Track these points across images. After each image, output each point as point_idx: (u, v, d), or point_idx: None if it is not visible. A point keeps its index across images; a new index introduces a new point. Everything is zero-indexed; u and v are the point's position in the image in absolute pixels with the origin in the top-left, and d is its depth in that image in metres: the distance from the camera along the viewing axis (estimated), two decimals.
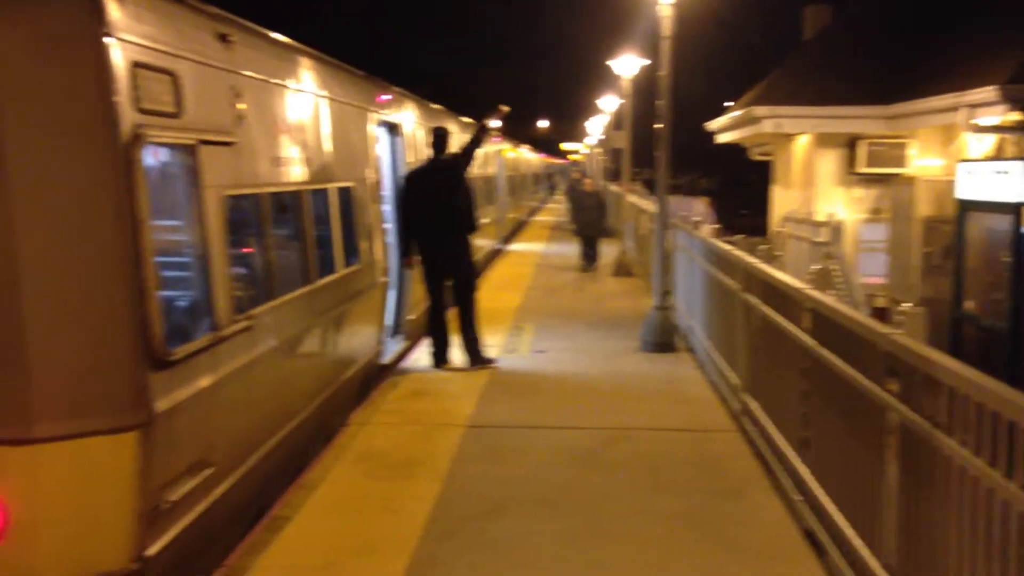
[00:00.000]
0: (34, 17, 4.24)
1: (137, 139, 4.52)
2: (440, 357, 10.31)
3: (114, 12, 4.49)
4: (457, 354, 10.31)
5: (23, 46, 4.18)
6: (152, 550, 4.64)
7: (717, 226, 11.22)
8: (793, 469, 6.08)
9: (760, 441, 7.15)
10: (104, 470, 4.39)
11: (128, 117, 4.50)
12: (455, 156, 10.34)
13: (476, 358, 10.26)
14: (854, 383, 4.81)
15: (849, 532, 4.93)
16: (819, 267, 10.60)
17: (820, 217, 15.27)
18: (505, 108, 10.87)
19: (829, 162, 17.74)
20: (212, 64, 5.67)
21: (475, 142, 10.37)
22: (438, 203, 10.04)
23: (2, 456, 4.17)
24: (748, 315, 7.71)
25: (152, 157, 5.10)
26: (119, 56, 4.48)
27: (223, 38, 5.92)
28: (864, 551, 4.71)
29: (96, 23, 4.36)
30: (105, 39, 4.39)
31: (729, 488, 6.58)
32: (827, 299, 5.46)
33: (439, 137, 10.35)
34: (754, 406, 7.42)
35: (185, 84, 5.21)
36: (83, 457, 4.32)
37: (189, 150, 5.30)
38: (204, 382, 5.19)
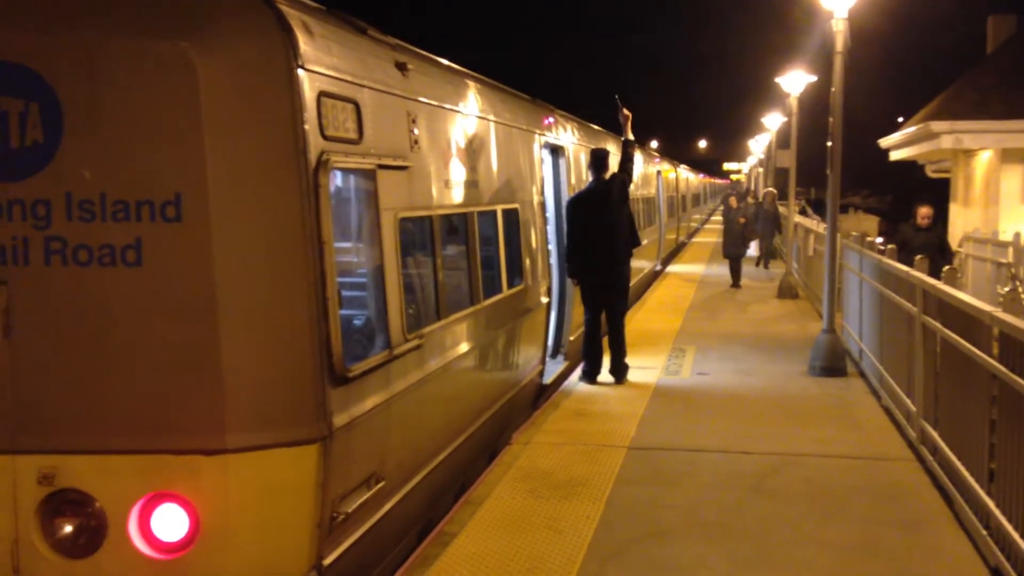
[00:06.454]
0: (231, 50, 4.51)
1: (323, 165, 4.74)
2: (593, 374, 10.50)
3: (304, 45, 4.74)
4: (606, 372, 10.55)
5: (221, 78, 4.46)
6: (328, 559, 4.83)
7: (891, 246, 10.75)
8: (979, 501, 5.76)
9: (940, 471, 6.80)
10: (286, 480, 4.60)
11: (315, 144, 4.73)
12: (618, 177, 10.45)
13: (622, 376, 10.47)
14: None
15: None
16: (1009, 288, 10.00)
17: (1004, 236, 14.43)
18: (627, 112, 10.88)
19: (1014, 178, 16.78)
20: (391, 92, 5.89)
21: (627, 158, 10.58)
22: (603, 225, 10.13)
23: (195, 465, 4.43)
24: (927, 339, 7.36)
25: (334, 181, 5.34)
26: (308, 87, 4.72)
27: (401, 67, 6.14)
28: None
29: (289, 56, 4.61)
30: (297, 71, 4.63)
31: (908, 519, 6.28)
32: (1020, 322, 5.15)
33: (599, 158, 10.45)
34: (934, 434, 7.07)
35: (366, 112, 5.43)
36: (268, 468, 4.54)
37: (368, 174, 5.52)
38: (378, 398, 5.36)
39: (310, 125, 4.71)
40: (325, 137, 4.87)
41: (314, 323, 4.65)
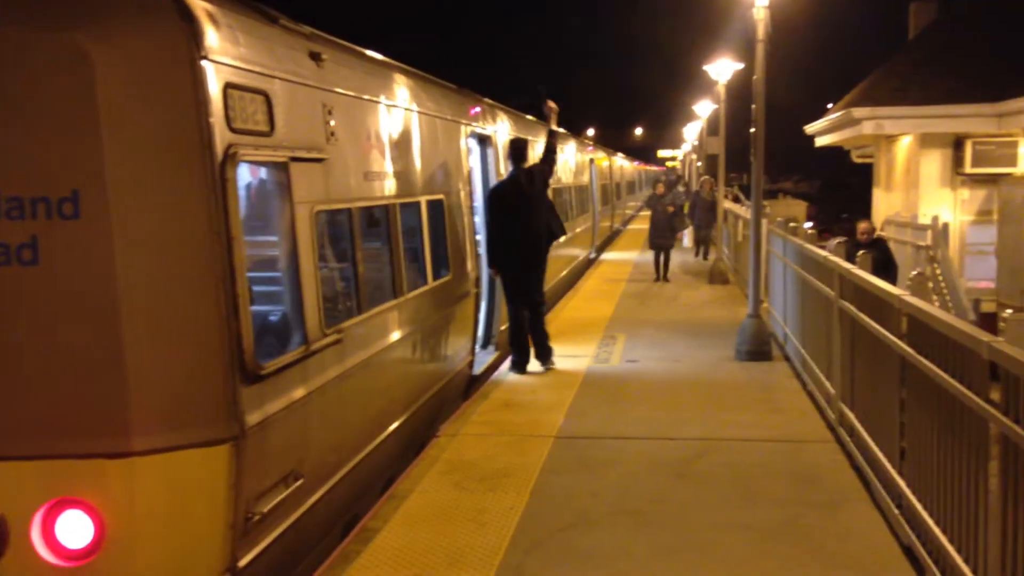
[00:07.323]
0: (129, 41, 4.38)
1: (231, 158, 4.63)
2: (522, 364, 10.52)
3: (210, 36, 4.62)
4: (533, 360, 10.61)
5: (118, 70, 4.33)
6: (244, 560, 4.74)
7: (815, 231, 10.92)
8: (891, 481, 5.88)
9: (857, 452, 6.94)
10: (197, 482, 4.51)
11: (222, 137, 4.63)
12: (537, 167, 10.53)
13: (548, 360, 10.57)
14: (953, 392, 4.62)
15: (949, 548, 4.74)
16: (917, 272, 10.23)
17: (924, 220, 14.78)
18: (552, 105, 10.72)
19: (933, 163, 17.17)
20: (304, 83, 5.78)
21: (550, 150, 10.59)
22: (520, 217, 10.16)
23: (100, 469, 4.31)
24: (844, 322, 7.50)
25: (245, 174, 5.22)
26: (214, 78, 4.60)
27: (315, 57, 6.04)
28: (964, 568, 4.51)
29: (191, 47, 4.49)
30: (201, 62, 4.52)
31: (825, 500, 6.40)
32: (924, 305, 5.26)
33: (517, 148, 10.47)
34: (851, 416, 7.21)
35: (277, 103, 5.33)
36: (177, 470, 4.44)
37: (281, 167, 5.43)
38: (295, 395, 5.28)
39: (216, 118, 4.60)
40: (233, 130, 4.76)
41: (223, 320, 4.56)
